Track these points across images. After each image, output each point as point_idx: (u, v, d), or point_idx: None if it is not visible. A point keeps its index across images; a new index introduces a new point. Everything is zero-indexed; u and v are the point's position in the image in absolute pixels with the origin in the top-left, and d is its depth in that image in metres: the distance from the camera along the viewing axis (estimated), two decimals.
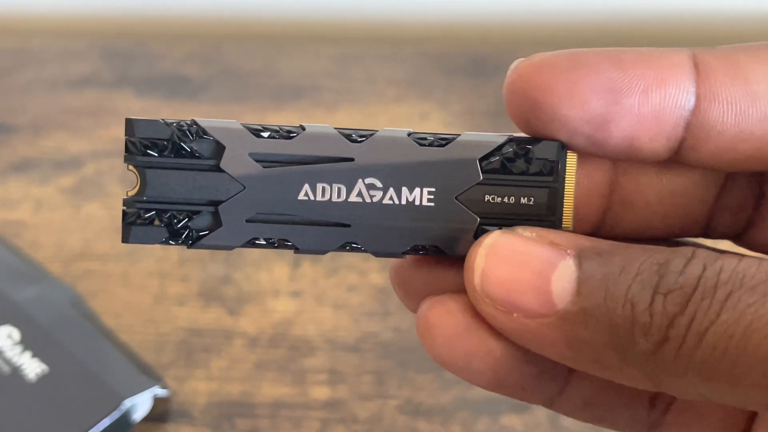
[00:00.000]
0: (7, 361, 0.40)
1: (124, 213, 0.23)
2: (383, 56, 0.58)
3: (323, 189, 0.22)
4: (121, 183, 0.51)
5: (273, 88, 0.56)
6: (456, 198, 0.23)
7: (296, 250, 0.23)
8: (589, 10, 0.62)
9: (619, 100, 0.21)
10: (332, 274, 0.47)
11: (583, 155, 0.23)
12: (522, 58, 0.22)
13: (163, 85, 0.56)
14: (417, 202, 0.23)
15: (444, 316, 0.22)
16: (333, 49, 0.59)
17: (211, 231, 0.23)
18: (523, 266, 0.21)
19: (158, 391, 0.40)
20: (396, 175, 0.22)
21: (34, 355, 0.40)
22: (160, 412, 0.41)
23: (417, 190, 0.23)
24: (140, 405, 0.39)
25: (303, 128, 0.22)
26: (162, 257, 0.47)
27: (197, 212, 0.22)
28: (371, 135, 0.22)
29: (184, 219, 0.23)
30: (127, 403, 0.39)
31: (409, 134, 0.23)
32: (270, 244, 0.23)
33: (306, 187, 0.22)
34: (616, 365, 0.20)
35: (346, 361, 0.43)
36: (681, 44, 0.22)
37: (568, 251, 0.21)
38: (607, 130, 0.21)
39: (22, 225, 0.49)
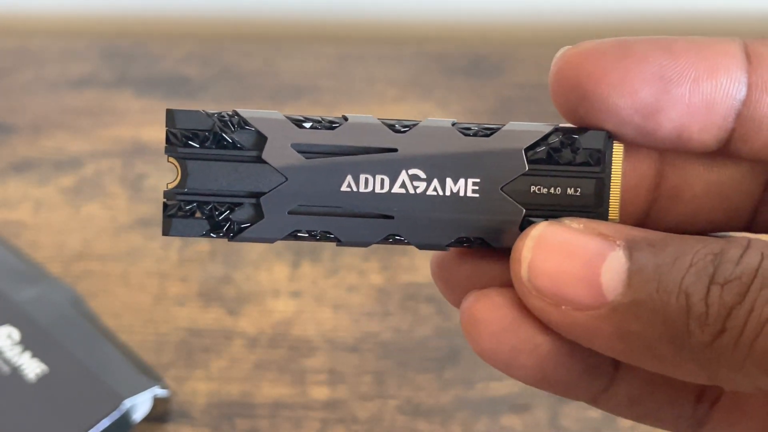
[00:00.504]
0: (7, 361, 0.40)
1: (165, 205, 0.22)
2: (383, 56, 0.58)
3: (366, 180, 0.22)
4: (121, 183, 0.51)
5: (273, 88, 0.56)
6: (501, 189, 0.22)
7: (339, 242, 0.22)
8: (590, 9, 0.62)
9: (669, 89, 0.21)
10: (332, 275, 0.47)
11: (630, 146, 0.22)
12: (569, 46, 0.22)
13: (163, 85, 0.56)
14: (461, 193, 0.22)
15: (490, 310, 0.22)
16: (333, 49, 0.58)
17: (252, 223, 0.22)
18: (571, 258, 0.21)
19: (158, 391, 0.40)
20: (440, 166, 0.22)
21: (34, 355, 0.40)
22: (160, 413, 0.41)
23: (461, 181, 0.22)
24: (140, 405, 0.39)
25: (346, 119, 0.22)
26: (162, 257, 0.47)
27: (239, 204, 0.22)
28: (414, 125, 0.22)
29: (225, 211, 0.22)
30: (127, 403, 0.39)
31: (453, 124, 0.22)
32: (312, 237, 0.22)
33: (349, 178, 0.22)
34: (670, 357, 0.20)
35: (345, 361, 0.43)
36: None
37: (618, 242, 0.20)
38: (656, 120, 0.21)
39: (22, 225, 0.49)
